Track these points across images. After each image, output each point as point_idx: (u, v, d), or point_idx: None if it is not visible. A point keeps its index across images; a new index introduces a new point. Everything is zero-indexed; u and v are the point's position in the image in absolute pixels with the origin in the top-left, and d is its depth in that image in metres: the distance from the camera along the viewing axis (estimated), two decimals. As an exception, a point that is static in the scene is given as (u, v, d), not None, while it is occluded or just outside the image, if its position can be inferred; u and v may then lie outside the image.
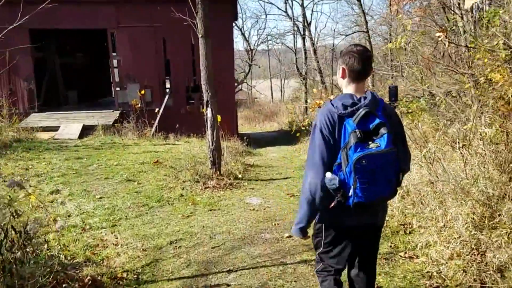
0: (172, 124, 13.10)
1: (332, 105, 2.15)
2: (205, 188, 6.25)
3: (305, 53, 23.54)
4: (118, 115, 13.72)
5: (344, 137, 2.08)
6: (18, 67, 13.83)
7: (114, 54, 14.46)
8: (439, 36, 4.34)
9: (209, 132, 6.75)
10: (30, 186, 6.51)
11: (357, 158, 2.00)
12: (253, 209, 5.43)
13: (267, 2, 53.59)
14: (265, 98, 38.29)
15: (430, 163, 4.17)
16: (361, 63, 2.18)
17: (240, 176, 7.14)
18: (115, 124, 12.85)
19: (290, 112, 21.45)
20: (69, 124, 13.06)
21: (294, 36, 26.12)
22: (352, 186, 2.04)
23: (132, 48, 14.14)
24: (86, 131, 12.75)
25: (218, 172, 6.67)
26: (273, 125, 23.78)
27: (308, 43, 24.52)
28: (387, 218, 4.19)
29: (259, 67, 32.77)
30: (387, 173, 2.10)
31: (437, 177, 4.00)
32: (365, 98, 2.14)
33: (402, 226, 4.24)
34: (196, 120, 14.46)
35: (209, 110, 6.67)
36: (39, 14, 14.14)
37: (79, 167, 7.94)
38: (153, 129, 13.00)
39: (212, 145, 6.69)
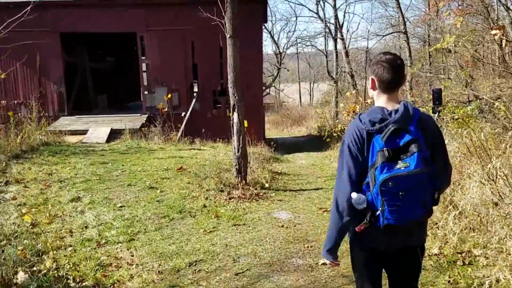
0: (198, 129, 12.86)
1: (360, 120, 2.03)
2: (230, 198, 5.88)
3: (337, 55, 22.93)
4: (145, 119, 13.62)
5: (372, 155, 1.95)
6: (48, 70, 13.99)
7: (143, 58, 14.39)
8: (495, 34, 3.80)
9: (235, 138, 6.39)
10: (51, 193, 6.33)
11: (383, 180, 1.86)
12: (282, 226, 4.98)
13: (298, 4, 53.34)
14: (293, 102, 37.80)
15: (493, 180, 3.60)
16: (392, 73, 2.04)
17: (267, 185, 6.73)
18: (142, 128, 12.74)
19: (320, 116, 20.88)
20: (97, 128, 13.05)
21: (325, 38, 25.55)
22: (380, 209, 1.93)
23: (160, 52, 14.03)
24: (114, 135, 12.70)
25: (243, 181, 6.28)
26: (301, 130, 23.27)
27: (340, 46, 23.91)
28: (439, 244, 3.65)
29: (288, 70, 32.36)
30: (418, 195, 1.93)
31: (502, 197, 3.43)
32: (396, 111, 1.98)
33: (460, 255, 3.62)
34: (222, 125, 14.18)
35: (235, 114, 6.31)
36: (70, 18, 14.33)
37: (103, 173, 7.75)
38: (179, 133, 12.80)
39: (238, 152, 6.32)
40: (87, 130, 12.91)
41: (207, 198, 5.90)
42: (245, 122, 6.72)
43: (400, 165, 1.87)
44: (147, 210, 5.38)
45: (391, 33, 21.49)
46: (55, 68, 13.97)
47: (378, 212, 1.94)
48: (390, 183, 1.86)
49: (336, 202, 2.07)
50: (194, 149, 10.72)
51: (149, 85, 14.35)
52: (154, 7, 13.86)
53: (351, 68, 24.63)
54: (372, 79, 2.10)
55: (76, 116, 14.17)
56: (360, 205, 1.97)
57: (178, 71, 14.16)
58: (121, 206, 5.62)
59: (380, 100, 2.09)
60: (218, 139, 12.46)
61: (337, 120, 21.63)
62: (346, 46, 25.41)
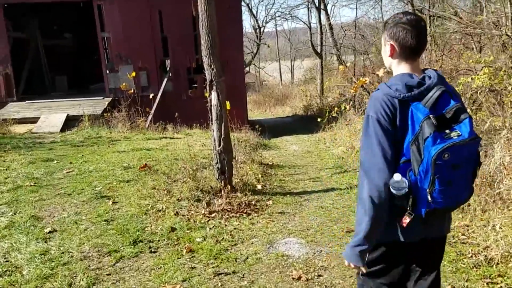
0: (172, 113, 11.03)
1: (390, 87, 1.71)
2: (210, 212, 4.16)
3: (321, 28, 21.09)
4: (107, 103, 11.66)
5: (413, 127, 1.65)
6: (-11, 48, 11.77)
7: (102, 32, 12.29)
8: None
9: (214, 126, 4.64)
10: (-44, 211, 4.50)
11: (438, 152, 1.57)
12: (298, 278, 3.02)
13: None
14: (274, 80, 36.00)
15: None
16: (416, 36, 1.75)
17: (259, 187, 5.05)
18: (104, 114, 10.82)
19: (305, 95, 19.23)
20: (50, 115, 11.04)
21: (308, 9, 23.60)
22: (428, 190, 1.63)
23: (123, 23, 11.98)
24: (71, 122, 10.75)
25: (228, 185, 4.57)
26: (285, 110, 21.60)
27: (323, 17, 22.08)
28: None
29: (268, 46, 30.38)
30: (469, 169, 1.69)
31: None
32: (429, 77, 1.72)
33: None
34: (199, 107, 12.28)
35: (213, 94, 4.56)
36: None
37: (42, 175, 5.92)
38: (149, 119, 10.94)
39: (219, 145, 4.59)
40: (39, 118, 10.90)
41: (177, 213, 4.17)
42: (227, 104, 5.02)
43: (452, 134, 1.61)
44: (87, 240, 3.62)
45: None
46: (-1, 46, 11.76)
47: (422, 196, 1.65)
48: (446, 155, 1.58)
49: (368, 192, 1.68)
50: (165, 137, 8.93)
51: (112, 62, 12.32)
52: (113, -31, 11.73)
53: (336, 42, 22.92)
54: (391, 44, 1.79)
55: (27, 102, 12.08)
56: (402, 190, 1.66)
57: (145, 46, 12.16)
58: (50, 232, 3.85)
59: (402, 68, 1.80)
60: (194, 124, 10.68)
61: (326, 98, 20.07)
62: (330, 18, 23.60)
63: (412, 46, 1.76)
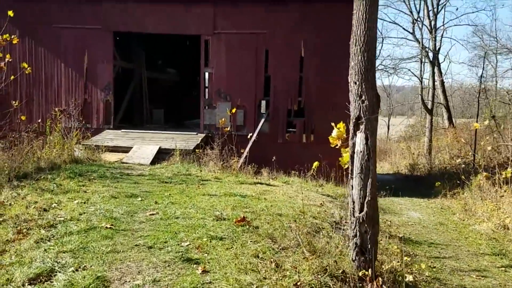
0: (266, 156, 9.89)
1: None
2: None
3: (434, 83, 19.05)
4: (201, 139, 10.91)
5: None
6: (96, 75, 11.86)
7: (206, 67, 11.84)
8: None
9: (355, 181, 3.24)
10: (11, 253, 3.55)
11: None
12: None
13: (391, 22, 49.15)
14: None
15: None
16: None
17: (410, 278, 3.43)
18: (196, 150, 10.01)
19: (412, 152, 17.09)
20: (143, 146, 10.53)
21: (421, 63, 21.68)
22: None
23: (227, 59, 11.41)
24: (162, 155, 10.10)
25: (371, 273, 3.05)
26: (383, 166, 19.50)
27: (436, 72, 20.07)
28: None
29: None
30: None
31: None
32: None
33: None
34: (297, 153, 11.10)
35: (360, 136, 3.20)
36: (124, 15, 12.26)
37: (123, 214, 4.93)
38: (242, 159, 9.88)
39: (361, 210, 3.15)
40: (131, 148, 10.44)
41: (297, 309, 2.76)
42: (345, 156, 3.63)
43: None
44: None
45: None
46: (104, 73, 11.82)
47: None
48: None
49: None
50: (261, 183, 7.68)
51: (210, 98, 11.71)
52: (224, 3, 11.34)
53: (447, 100, 20.64)
54: None
55: (123, 131, 11.84)
56: None
57: (247, 84, 11.40)
58: (115, 311, 2.64)
59: None
60: (291, 171, 9.37)
61: (433, 159, 17.73)
62: (442, 74, 21.50)
63: None
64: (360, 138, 3.24)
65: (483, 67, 23.89)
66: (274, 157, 9.82)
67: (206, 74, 12.46)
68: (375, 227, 3.20)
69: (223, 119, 9.02)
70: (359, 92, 3.23)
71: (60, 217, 4.78)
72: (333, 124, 4.40)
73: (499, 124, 15.19)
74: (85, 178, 7.16)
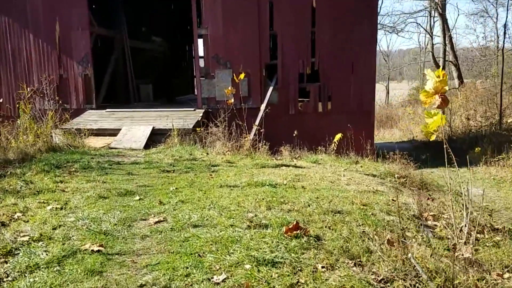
0: (276, 131, 8.43)
1: None
2: None
3: (444, 37, 17.49)
4: (201, 115, 9.31)
5: None
6: (70, 45, 10.07)
7: (199, 29, 10.10)
8: None
9: None
10: None
11: None
12: None
13: None
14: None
15: None
16: None
17: None
18: (197, 129, 8.46)
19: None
20: (133, 127, 8.92)
21: (430, 15, 19.99)
22: None
23: (225, 18, 9.69)
24: (156, 137, 8.53)
25: None
26: (394, 134, 18.20)
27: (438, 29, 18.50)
28: None
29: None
30: None
31: None
32: None
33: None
34: (313, 125, 9.59)
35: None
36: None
37: (115, 226, 3.43)
38: (251, 137, 8.32)
39: None
40: (119, 130, 8.83)
41: None
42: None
43: None
44: None
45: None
46: (80, 43, 10.02)
47: None
48: None
49: None
50: (286, 165, 6.20)
51: (207, 66, 10.03)
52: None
53: (456, 57, 19.16)
54: None
55: (108, 110, 10.17)
56: None
57: (249, 46, 9.74)
58: None
59: None
60: (307, 147, 7.83)
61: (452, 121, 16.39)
62: (450, 29, 19.93)
63: None
64: None
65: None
66: (286, 132, 8.35)
67: (200, 41, 10.72)
68: None
69: (229, 88, 7.40)
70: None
71: (24, 235, 3.27)
72: (428, 70, 3.02)
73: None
74: (64, 171, 5.62)
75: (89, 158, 6.66)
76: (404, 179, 5.95)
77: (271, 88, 9.76)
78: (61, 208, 3.95)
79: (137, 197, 4.36)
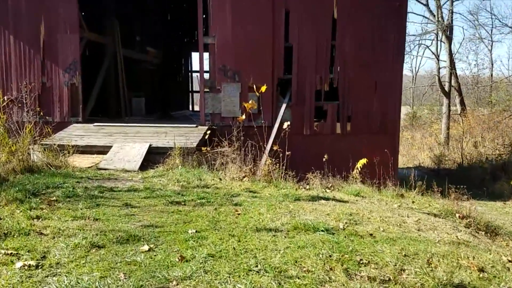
0: (290, 153, 7.19)
1: None
2: None
3: (451, 61, 16.80)
4: (205, 132, 8.05)
5: None
6: (56, 49, 8.79)
7: (205, 36, 8.96)
8: None
9: None
10: None
11: None
12: None
13: None
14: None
15: None
16: None
17: None
18: (202, 148, 7.22)
19: (438, 142, 14.83)
20: (126, 144, 7.62)
21: (437, 39, 19.36)
22: None
23: (234, 25, 8.59)
24: (153, 156, 7.26)
25: None
26: (401, 159, 17.22)
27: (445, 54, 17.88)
28: None
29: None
30: None
31: None
32: None
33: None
34: (330, 148, 8.41)
35: None
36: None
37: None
38: (263, 161, 7.10)
39: None
40: (110, 147, 7.51)
41: None
42: None
43: None
44: None
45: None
46: (67, 48, 8.75)
47: None
48: None
49: None
50: (324, 198, 4.99)
51: (213, 78, 8.86)
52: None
53: (459, 84, 18.51)
54: None
55: (96, 124, 8.85)
56: None
57: (261, 58, 8.63)
58: None
59: None
60: (326, 171, 6.58)
61: (452, 148, 15.64)
62: (454, 54, 19.39)
63: None
64: None
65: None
66: (300, 154, 7.18)
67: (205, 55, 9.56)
68: None
69: (250, 102, 6.21)
70: None
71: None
72: None
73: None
74: (42, 201, 4.33)
75: (74, 182, 5.36)
76: (467, 220, 4.83)
77: (284, 105, 8.65)
78: (37, 267, 2.66)
79: (145, 246, 3.10)
